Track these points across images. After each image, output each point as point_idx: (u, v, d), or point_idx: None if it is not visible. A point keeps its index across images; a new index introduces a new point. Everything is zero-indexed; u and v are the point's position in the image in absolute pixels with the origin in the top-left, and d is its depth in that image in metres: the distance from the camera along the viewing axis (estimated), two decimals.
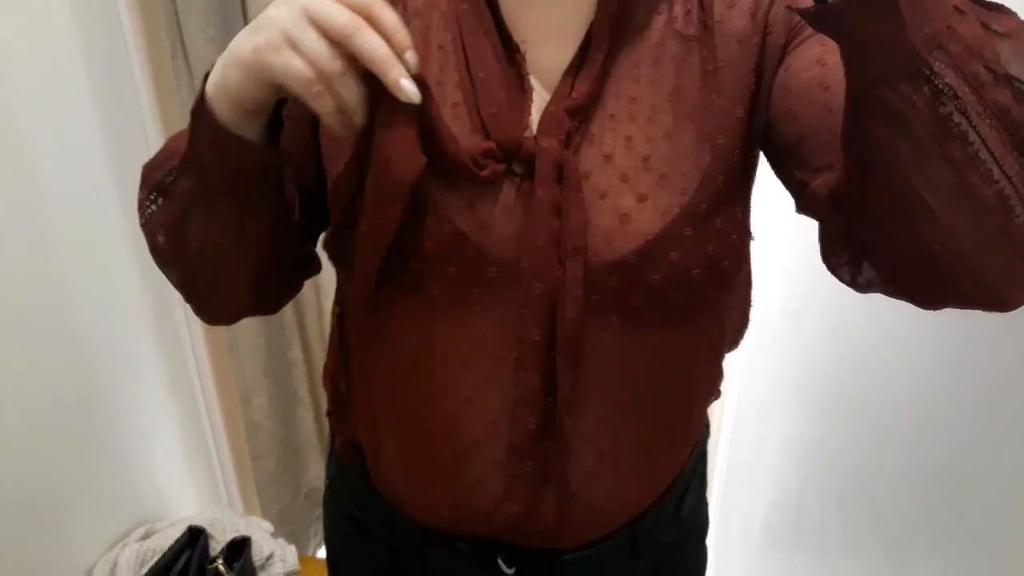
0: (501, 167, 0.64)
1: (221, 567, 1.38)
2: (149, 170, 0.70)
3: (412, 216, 0.63)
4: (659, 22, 0.67)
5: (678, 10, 0.66)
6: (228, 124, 0.60)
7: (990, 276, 0.53)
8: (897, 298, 0.59)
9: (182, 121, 1.47)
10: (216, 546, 1.44)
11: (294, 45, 0.54)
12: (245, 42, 0.57)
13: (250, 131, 0.61)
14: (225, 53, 0.59)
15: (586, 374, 0.67)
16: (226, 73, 0.58)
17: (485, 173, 0.64)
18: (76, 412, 1.38)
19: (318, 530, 2.05)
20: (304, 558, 1.59)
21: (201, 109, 0.60)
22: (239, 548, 1.42)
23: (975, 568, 0.91)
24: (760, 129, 0.67)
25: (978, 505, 0.87)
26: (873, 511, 1.14)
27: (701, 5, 0.66)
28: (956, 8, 0.46)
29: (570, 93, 0.65)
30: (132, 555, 1.40)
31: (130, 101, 1.44)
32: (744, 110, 0.65)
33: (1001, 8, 0.49)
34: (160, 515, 1.59)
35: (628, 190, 0.64)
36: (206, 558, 1.41)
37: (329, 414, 0.86)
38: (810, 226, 0.64)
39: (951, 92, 0.46)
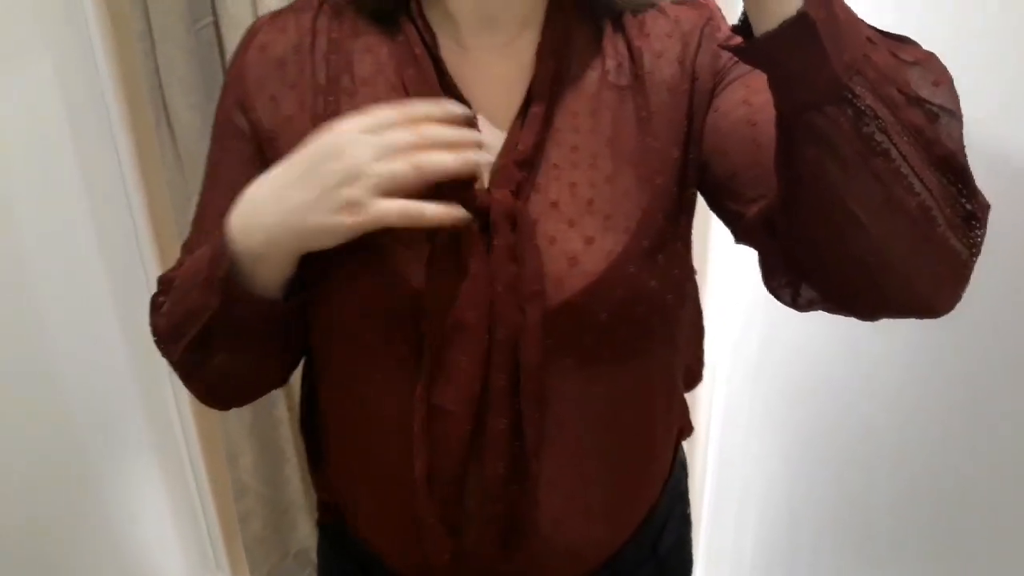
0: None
1: None
2: (177, 309, 0.73)
3: (370, 277, 0.68)
4: (594, 75, 0.71)
5: (610, 63, 0.71)
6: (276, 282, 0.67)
7: (919, 283, 0.58)
8: (836, 313, 0.64)
9: (165, 186, 1.51)
10: None
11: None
12: (321, 222, 0.61)
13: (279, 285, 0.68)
14: (278, 239, 0.64)
15: (547, 417, 0.70)
16: (295, 250, 0.65)
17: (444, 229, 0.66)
18: (63, 477, 1.39)
19: None
20: None
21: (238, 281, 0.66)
22: None
23: None
24: (695, 168, 0.71)
25: (976, 526, 0.90)
26: (867, 539, 1.16)
27: (632, 57, 0.71)
28: (868, 39, 0.52)
29: (516, 146, 0.69)
30: None
31: (113, 168, 1.48)
32: (679, 151, 0.70)
33: (906, 39, 0.56)
34: None
35: (575, 234, 0.67)
36: None
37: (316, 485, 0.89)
38: None
39: (872, 113, 0.51)
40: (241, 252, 0.65)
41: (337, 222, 0.61)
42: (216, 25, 1.45)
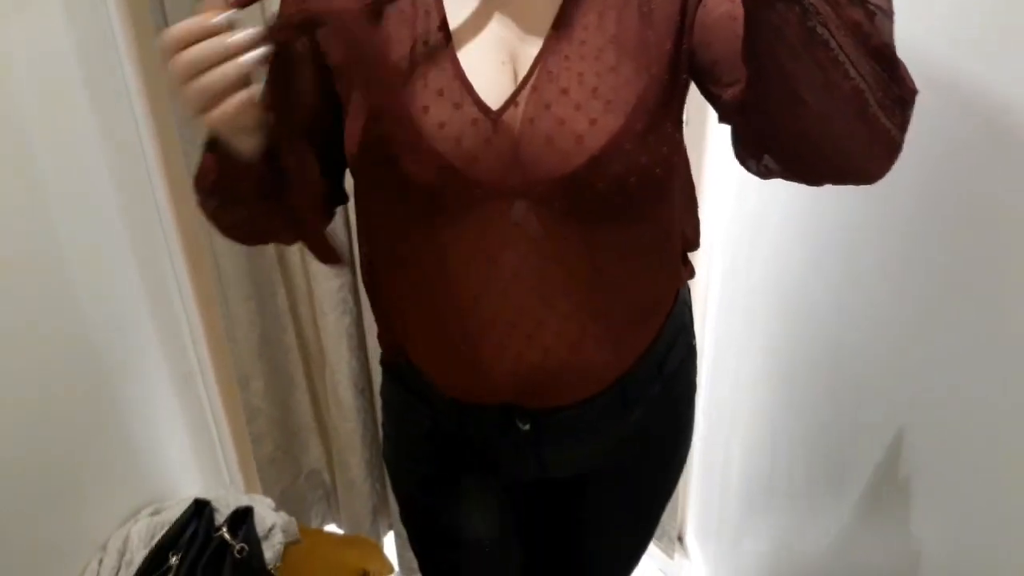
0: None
1: (226, 535, 1.47)
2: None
3: (412, 154, 0.80)
4: None
5: None
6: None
7: (855, 154, 0.71)
8: (791, 180, 0.77)
9: (174, 119, 1.57)
10: (220, 517, 1.53)
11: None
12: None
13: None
14: None
15: (561, 266, 0.85)
16: None
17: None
18: (86, 399, 1.47)
19: (319, 511, 2.14)
20: (305, 529, 1.68)
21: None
22: (243, 517, 1.51)
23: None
24: (685, 57, 0.83)
25: (935, 452, 0.95)
26: (837, 464, 1.23)
27: None
28: None
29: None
30: (143, 528, 1.49)
31: (123, 102, 1.54)
32: (672, 43, 0.82)
33: None
34: (168, 495, 1.68)
35: (582, 116, 0.80)
36: (212, 527, 1.50)
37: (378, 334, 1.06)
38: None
39: (815, 9, 0.62)
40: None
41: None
42: None
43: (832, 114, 0.67)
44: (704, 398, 1.81)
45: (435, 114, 0.80)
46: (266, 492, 1.98)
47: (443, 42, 0.82)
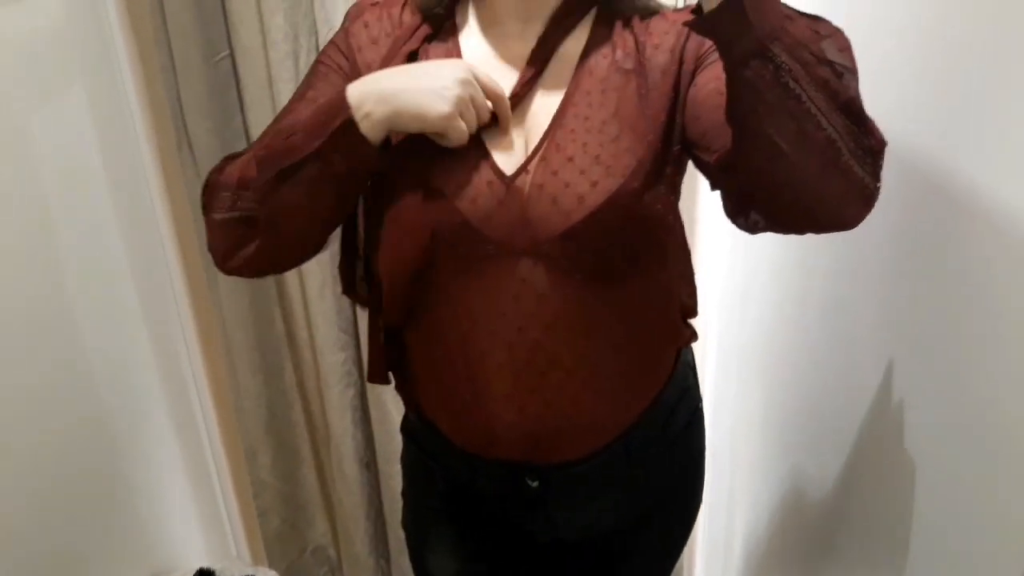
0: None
1: None
2: (266, 157, 0.90)
3: (433, 210, 0.90)
4: (605, 63, 0.94)
5: (619, 53, 0.94)
6: (371, 140, 0.87)
7: (833, 201, 0.78)
8: (775, 231, 0.85)
9: (188, 201, 1.66)
10: None
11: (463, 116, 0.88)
12: (428, 103, 0.86)
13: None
14: (389, 100, 0.86)
15: (564, 322, 0.92)
16: (394, 116, 0.86)
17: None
18: (94, 473, 1.51)
19: None
20: None
21: (350, 129, 0.86)
22: None
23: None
24: (678, 129, 0.93)
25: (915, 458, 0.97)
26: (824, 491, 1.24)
27: (637, 48, 0.94)
28: (787, 16, 0.71)
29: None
30: None
31: (141, 186, 1.63)
32: (666, 116, 0.92)
33: (820, 18, 0.75)
34: (173, 568, 1.71)
35: (584, 180, 0.89)
36: None
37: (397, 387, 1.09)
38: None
39: (787, 68, 0.70)
40: (354, 107, 0.86)
41: (436, 108, 0.86)
42: (232, 57, 1.60)
43: (808, 163, 0.74)
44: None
45: (456, 176, 0.90)
46: (272, 567, 1.99)
47: None
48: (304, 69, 1.55)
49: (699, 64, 0.92)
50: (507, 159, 0.92)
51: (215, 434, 1.86)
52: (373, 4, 1.00)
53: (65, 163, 1.42)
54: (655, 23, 0.96)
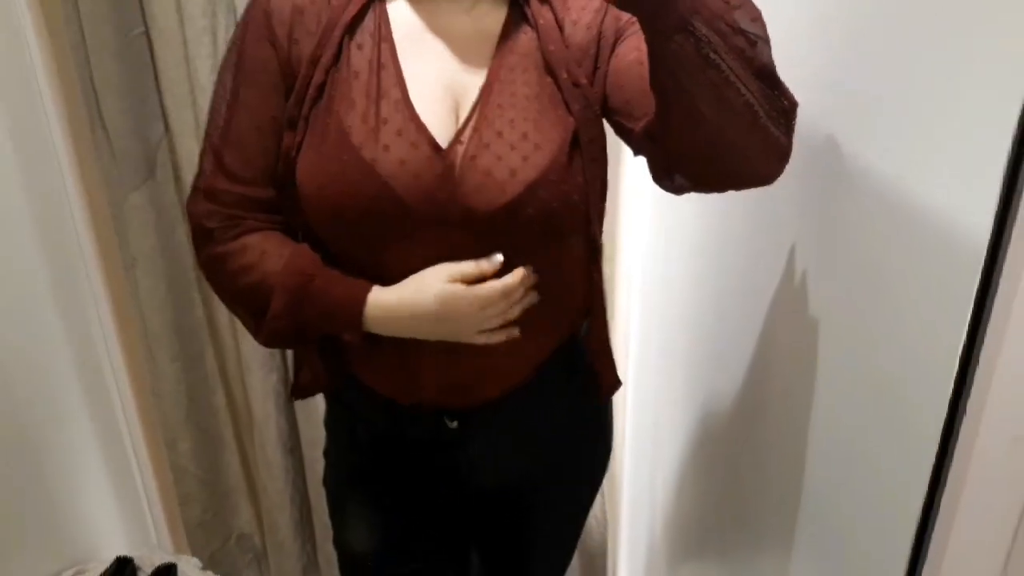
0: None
1: None
2: (245, 287, 0.99)
3: (371, 186, 0.92)
4: (526, 39, 0.98)
5: (539, 29, 0.98)
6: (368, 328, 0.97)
7: (752, 159, 0.85)
8: (700, 191, 0.91)
9: (103, 183, 1.62)
10: None
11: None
12: (455, 325, 0.96)
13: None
14: (416, 325, 0.96)
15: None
16: (411, 325, 0.96)
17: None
18: (6, 462, 1.47)
19: (250, 574, 2.13)
20: None
21: (354, 319, 0.96)
22: (166, 575, 1.51)
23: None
24: (599, 99, 0.98)
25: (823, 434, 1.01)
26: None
27: (557, 24, 0.98)
28: None
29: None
30: None
31: (53, 167, 1.58)
32: (587, 87, 0.97)
33: None
34: (93, 557, 1.67)
35: (516, 155, 0.93)
36: None
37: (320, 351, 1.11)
38: None
39: (706, 39, 0.74)
40: (372, 315, 0.97)
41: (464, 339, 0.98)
42: (147, 35, 1.57)
43: (728, 125, 0.80)
44: (629, 440, 1.87)
45: (395, 152, 0.92)
46: (195, 555, 1.96)
47: (397, 83, 0.95)
48: (222, 46, 1.53)
49: (619, 36, 0.97)
50: (439, 130, 0.94)
51: (134, 421, 1.82)
52: None
53: None
54: None
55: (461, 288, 0.94)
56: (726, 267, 1.32)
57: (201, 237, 1.00)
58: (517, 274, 0.95)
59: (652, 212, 1.70)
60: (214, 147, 0.98)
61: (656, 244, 1.68)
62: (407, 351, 1.01)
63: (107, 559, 1.62)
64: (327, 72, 0.94)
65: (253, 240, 0.99)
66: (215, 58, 1.52)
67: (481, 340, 0.98)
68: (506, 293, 0.95)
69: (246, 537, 2.09)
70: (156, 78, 1.59)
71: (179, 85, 1.56)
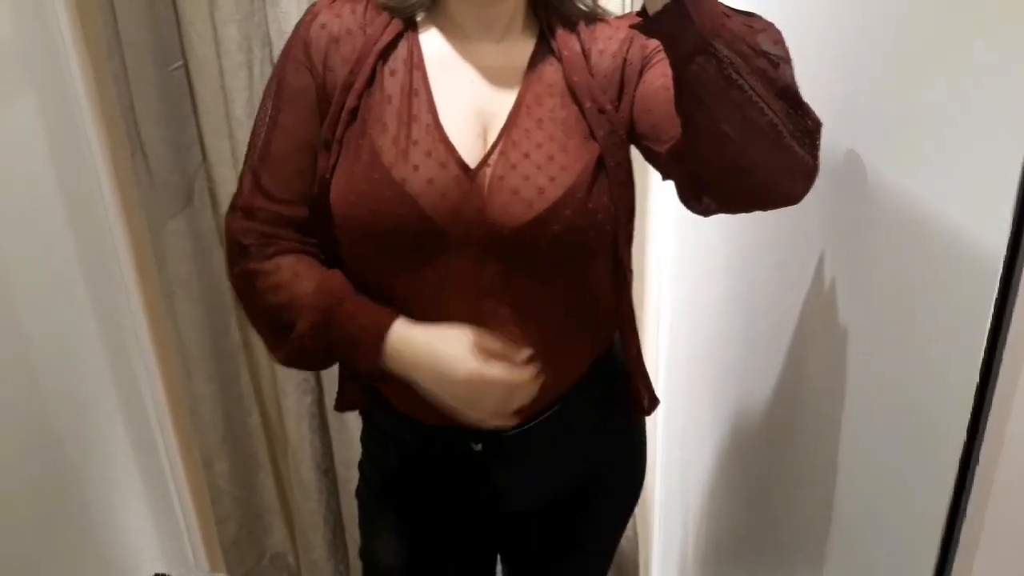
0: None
1: None
2: (273, 305, 1.01)
3: (401, 206, 0.94)
4: (553, 69, 1.01)
5: (566, 59, 1.01)
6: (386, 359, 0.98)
7: (777, 179, 0.86)
8: (727, 212, 0.92)
9: (142, 209, 1.66)
10: None
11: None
12: (463, 399, 0.96)
13: None
14: (434, 377, 0.96)
15: (511, 307, 0.99)
16: (426, 374, 0.96)
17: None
18: (47, 482, 1.50)
19: None
20: None
21: (376, 346, 0.96)
22: None
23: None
24: (625, 125, 1.01)
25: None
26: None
27: (583, 53, 1.01)
28: (725, 14, 0.79)
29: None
30: None
31: (95, 193, 1.62)
32: (613, 113, 1.00)
33: (754, 15, 0.83)
34: (130, 575, 1.70)
35: (542, 174, 0.96)
36: None
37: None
38: None
39: (728, 61, 0.76)
40: (393, 358, 0.97)
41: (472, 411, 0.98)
42: (186, 68, 1.62)
43: (753, 146, 0.81)
44: (660, 455, 1.87)
45: (424, 172, 0.95)
46: (230, 574, 1.99)
47: (428, 108, 0.98)
48: (258, 79, 1.57)
49: (645, 64, 1.00)
50: (469, 152, 0.97)
51: (171, 442, 1.86)
52: (331, 4, 1.02)
53: (16, 171, 1.41)
54: (600, 29, 1.03)
55: (494, 373, 0.93)
56: (752, 286, 1.33)
57: (237, 253, 1.02)
58: (529, 371, 0.95)
59: (678, 232, 1.71)
60: (253, 168, 1.01)
61: (682, 263, 1.69)
62: None
63: None
64: (360, 97, 0.98)
65: (287, 261, 1.01)
66: (250, 90, 1.57)
67: (473, 418, 0.97)
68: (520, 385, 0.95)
69: (280, 556, 2.12)
70: (194, 108, 1.64)
71: (216, 114, 1.61)
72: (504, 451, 1.09)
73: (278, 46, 1.54)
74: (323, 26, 1.00)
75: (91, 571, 1.62)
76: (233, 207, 1.04)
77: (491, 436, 1.07)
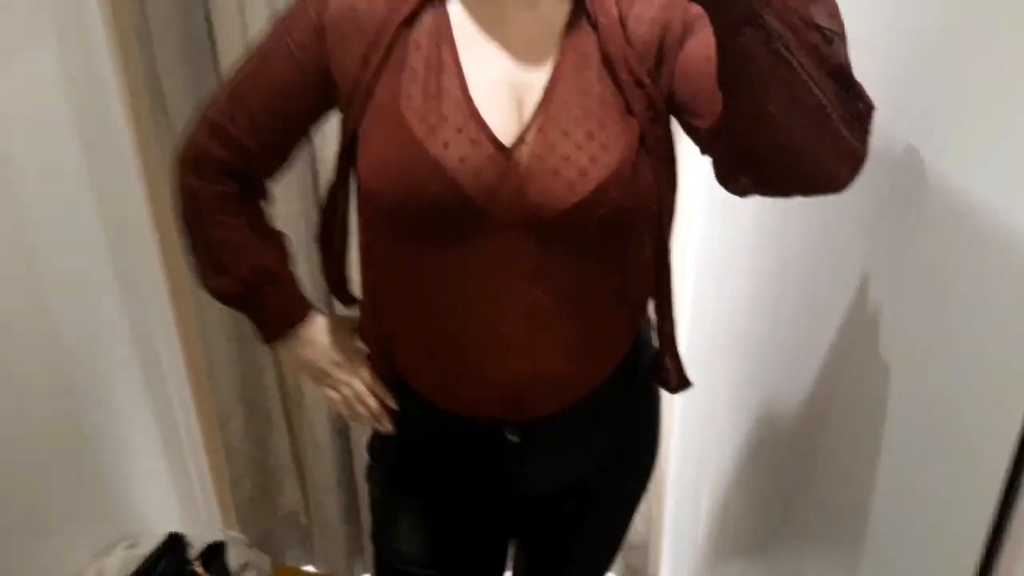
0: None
1: (198, 569, 1.50)
2: (211, 241, 1.07)
3: (435, 184, 0.91)
4: (590, 36, 0.95)
5: (603, 26, 0.95)
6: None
7: (823, 164, 0.79)
8: (765, 194, 0.86)
9: (162, 164, 1.64)
10: (194, 553, 1.56)
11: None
12: (311, 375, 1.14)
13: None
14: (296, 362, 1.13)
15: (549, 292, 0.96)
16: (295, 364, 1.14)
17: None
18: (63, 437, 1.51)
19: (295, 552, 2.16)
20: (280, 569, 1.70)
21: (269, 343, 1.12)
22: (215, 552, 1.54)
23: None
24: (664, 96, 0.95)
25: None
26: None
27: (620, 21, 0.95)
28: None
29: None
30: (117, 562, 1.52)
31: (115, 150, 1.60)
32: (652, 84, 0.94)
33: None
34: (145, 531, 1.71)
35: (583, 155, 0.91)
36: (185, 562, 1.53)
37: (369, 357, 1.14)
38: None
39: (777, 34, 0.69)
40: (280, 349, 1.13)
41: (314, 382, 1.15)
42: (209, 21, 1.58)
43: (798, 127, 0.74)
44: (676, 440, 1.85)
45: (455, 149, 0.91)
46: (243, 532, 2.00)
47: (458, 82, 0.93)
48: None
49: (686, 31, 0.93)
50: (501, 127, 0.93)
51: (187, 399, 1.86)
52: None
53: (39, 125, 1.40)
54: None
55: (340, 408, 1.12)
56: (783, 269, 1.29)
57: (191, 165, 1.05)
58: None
59: (708, 211, 1.67)
60: (232, 90, 1.02)
61: (711, 243, 1.65)
62: (468, 360, 0.99)
63: (158, 534, 1.66)
64: (380, 71, 0.94)
65: (235, 203, 1.06)
66: None
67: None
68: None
69: (293, 515, 2.12)
70: (215, 64, 1.60)
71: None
72: (541, 439, 1.06)
73: None
74: None
75: (106, 525, 1.63)
76: (203, 118, 1.04)
77: (527, 427, 1.04)
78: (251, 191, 1.08)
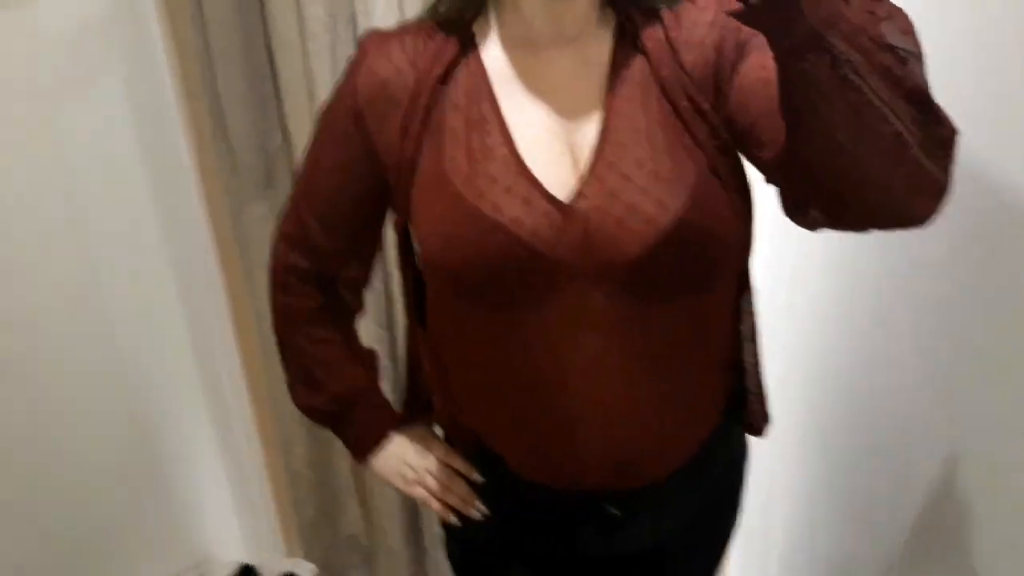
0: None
1: None
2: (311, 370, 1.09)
3: (494, 248, 0.85)
4: (639, 66, 0.88)
5: (652, 53, 0.88)
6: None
7: (900, 195, 0.71)
8: (836, 229, 0.78)
9: (224, 192, 1.64)
10: None
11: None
12: (397, 481, 1.12)
13: None
14: (385, 471, 1.12)
15: (639, 348, 0.89)
16: (382, 474, 1.13)
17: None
18: (131, 465, 1.52)
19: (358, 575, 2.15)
20: None
21: (358, 460, 1.14)
22: None
23: None
24: (725, 122, 0.86)
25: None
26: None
27: (670, 46, 0.87)
28: (844, 0, 0.64)
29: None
30: None
31: (178, 176, 1.61)
32: (711, 112, 0.86)
33: None
34: (211, 559, 1.72)
35: (648, 200, 0.84)
36: None
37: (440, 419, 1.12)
38: None
39: (845, 57, 0.62)
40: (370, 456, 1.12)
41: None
42: (268, 48, 1.58)
43: (871, 157, 0.67)
44: None
45: (508, 211, 0.84)
46: (307, 556, 2.00)
47: (502, 139, 0.87)
48: (341, 60, 1.53)
49: (741, 52, 0.85)
50: (554, 181, 0.86)
51: (251, 425, 1.86)
52: (380, 41, 0.94)
53: (101, 151, 1.41)
54: (685, 13, 0.88)
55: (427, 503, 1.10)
56: (855, 294, 1.24)
57: (280, 282, 1.06)
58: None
59: (775, 233, 1.62)
60: (296, 197, 1.03)
61: (780, 269, 1.60)
62: (566, 429, 0.92)
63: (225, 561, 1.66)
64: (420, 139, 0.90)
65: (329, 336, 1.07)
66: (334, 72, 1.52)
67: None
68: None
69: (354, 539, 2.11)
70: (276, 91, 1.60)
71: (298, 97, 1.57)
72: (639, 509, 1.00)
73: (363, 26, 1.49)
74: (372, 71, 0.92)
75: (174, 553, 1.64)
76: (278, 233, 1.06)
77: (628, 497, 0.98)
78: (341, 305, 1.07)
